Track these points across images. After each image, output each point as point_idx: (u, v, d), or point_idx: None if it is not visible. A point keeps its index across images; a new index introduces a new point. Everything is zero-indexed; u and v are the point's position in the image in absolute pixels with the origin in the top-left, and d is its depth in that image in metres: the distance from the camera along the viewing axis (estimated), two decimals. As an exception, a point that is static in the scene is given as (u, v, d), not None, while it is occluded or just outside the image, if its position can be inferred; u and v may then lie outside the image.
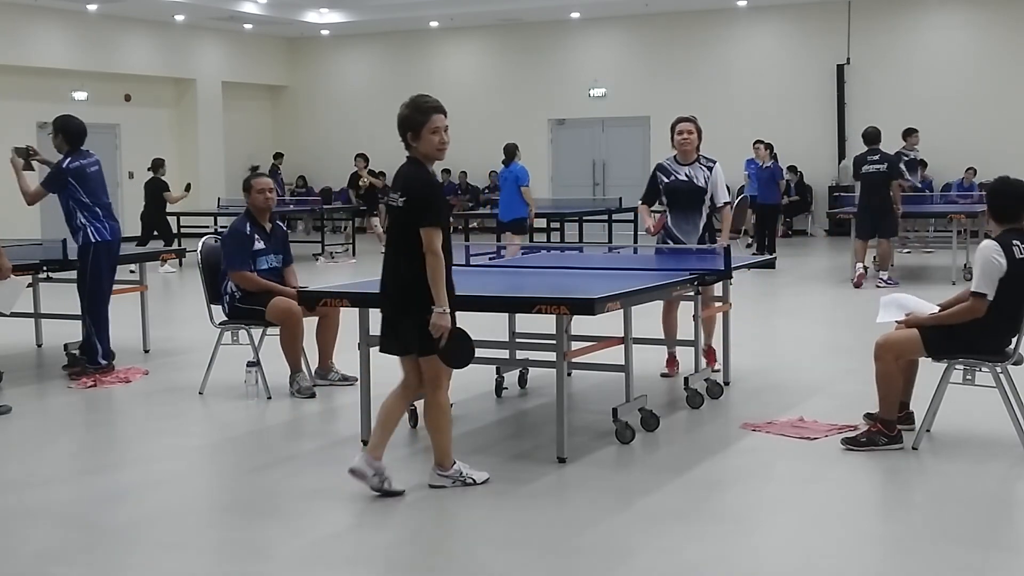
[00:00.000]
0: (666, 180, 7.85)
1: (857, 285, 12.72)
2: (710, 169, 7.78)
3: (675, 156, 7.89)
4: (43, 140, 20.62)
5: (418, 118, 5.19)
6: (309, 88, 25.13)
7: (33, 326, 9.61)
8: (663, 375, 7.89)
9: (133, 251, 9.99)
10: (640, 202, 8.14)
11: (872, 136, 13.25)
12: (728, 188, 8.32)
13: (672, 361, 7.92)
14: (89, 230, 8.22)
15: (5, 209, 19.23)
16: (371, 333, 6.19)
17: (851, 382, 7.53)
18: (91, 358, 8.28)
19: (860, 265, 12.91)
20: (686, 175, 7.77)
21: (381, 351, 5.43)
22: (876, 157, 12.99)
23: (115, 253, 8.40)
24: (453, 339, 5.10)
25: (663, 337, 7.84)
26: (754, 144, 17.89)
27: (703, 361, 7.36)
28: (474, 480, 5.38)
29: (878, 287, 12.50)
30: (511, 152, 14.57)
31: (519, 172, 14.42)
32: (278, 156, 23.35)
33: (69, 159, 8.22)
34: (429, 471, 5.40)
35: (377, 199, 18.79)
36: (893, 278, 12.86)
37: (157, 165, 17.36)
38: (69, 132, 8.29)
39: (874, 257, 13.48)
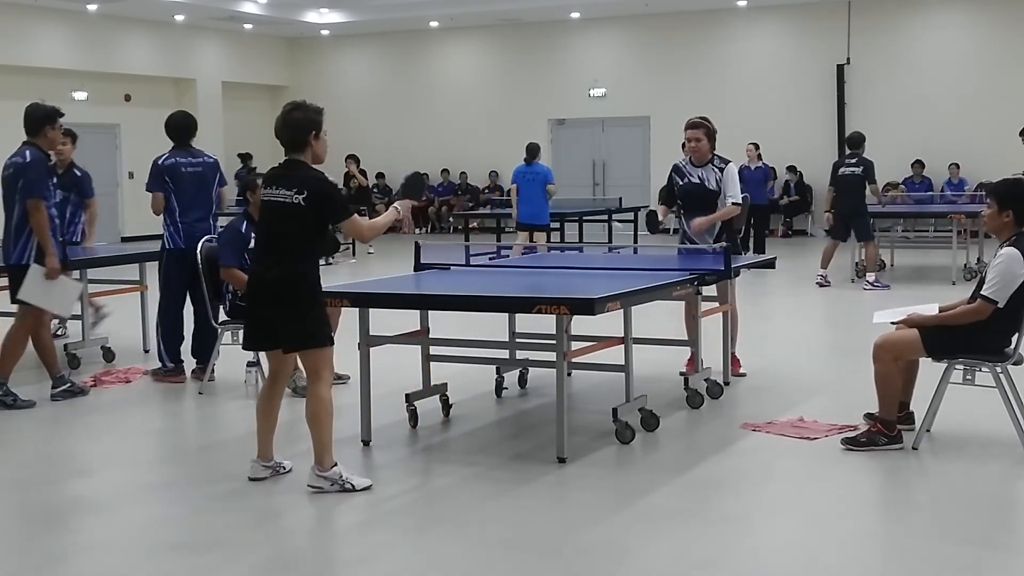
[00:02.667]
0: (680, 182, 7.82)
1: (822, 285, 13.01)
2: (722, 170, 7.72)
3: (690, 157, 7.83)
4: (43, 140, 20.69)
5: (320, 120, 5.39)
6: (309, 88, 25.04)
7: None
8: (682, 374, 7.85)
9: (133, 251, 9.99)
10: (659, 204, 8.10)
11: (855, 141, 13.41)
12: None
13: (693, 361, 7.83)
14: (164, 234, 8.06)
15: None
16: (371, 333, 6.21)
17: (851, 382, 7.53)
18: (160, 360, 8.14)
19: (821, 272, 13.11)
20: (699, 177, 7.74)
21: (248, 348, 5.70)
22: (853, 161, 13.12)
23: (189, 261, 7.88)
24: (413, 193, 5.62)
25: (665, 335, 7.84)
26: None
27: (703, 361, 7.36)
28: (353, 486, 5.32)
29: (865, 289, 12.55)
30: (535, 151, 14.46)
31: (547, 172, 14.38)
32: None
33: (164, 156, 8.05)
34: (309, 470, 5.38)
35: (370, 198, 18.81)
36: (882, 281, 12.89)
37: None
38: (167, 127, 8.14)
39: (858, 261, 13.55)
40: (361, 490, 5.32)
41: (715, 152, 7.82)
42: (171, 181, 7.97)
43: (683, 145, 7.82)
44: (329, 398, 5.35)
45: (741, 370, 7.90)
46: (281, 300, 5.29)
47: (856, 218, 13.04)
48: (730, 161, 7.87)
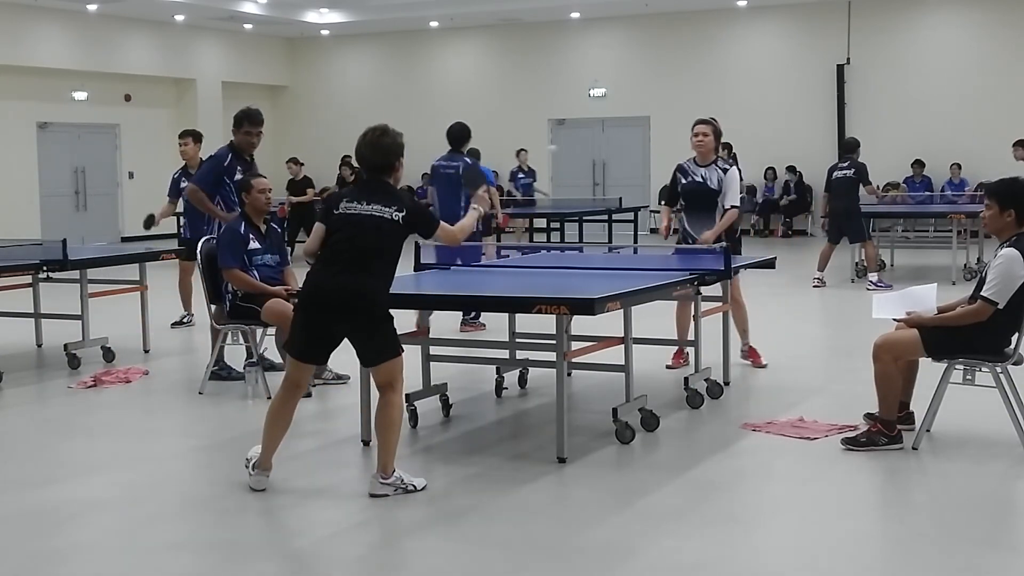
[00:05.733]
0: (683, 181, 8.02)
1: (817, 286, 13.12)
2: (725, 172, 7.94)
3: (694, 158, 8.04)
4: (42, 139, 20.69)
5: (403, 146, 5.48)
6: (309, 88, 25.12)
7: (33, 326, 9.61)
8: (668, 367, 7.98)
9: (133, 251, 10.01)
10: (662, 203, 8.27)
11: (850, 146, 13.65)
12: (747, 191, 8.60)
13: (680, 354, 8.11)
14: None
15: (6, 209, 19.27)
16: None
17: (851, 382, 7.54)
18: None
19: (818, 275, 13.19)
20: (701, 177, 7.93)
21: (306, 360, 5.42)
22: (845, 164, 13.33)
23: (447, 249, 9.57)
24: (471, 179, 5.76)
25: (665, 335, 7.85)
26: None
27: (703, 361, 7.36)
28: (415, 487, 5.32)
29: (868, 289, 12.56)
30: (477, 154, 14.77)
31: (488, 173, 14.54)
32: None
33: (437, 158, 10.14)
34: (370, 479, 5.34)
35: None
36: (884, 281, 12.91)
37: None
38: (447, 135, 10.08)
39: (858, 261, 13.59)
40: (420, 490, 5.32)
41: (719, 155, 8.08)
42: (434, 179, 10.31)
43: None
44: (403, 404, 5.39)
45: (763, 361, 8.15)
46: (358, 314, 5.22)
47: (848, 220, 13.13)
48: (733, 166, 8.09)
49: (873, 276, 12.92)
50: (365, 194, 5.35)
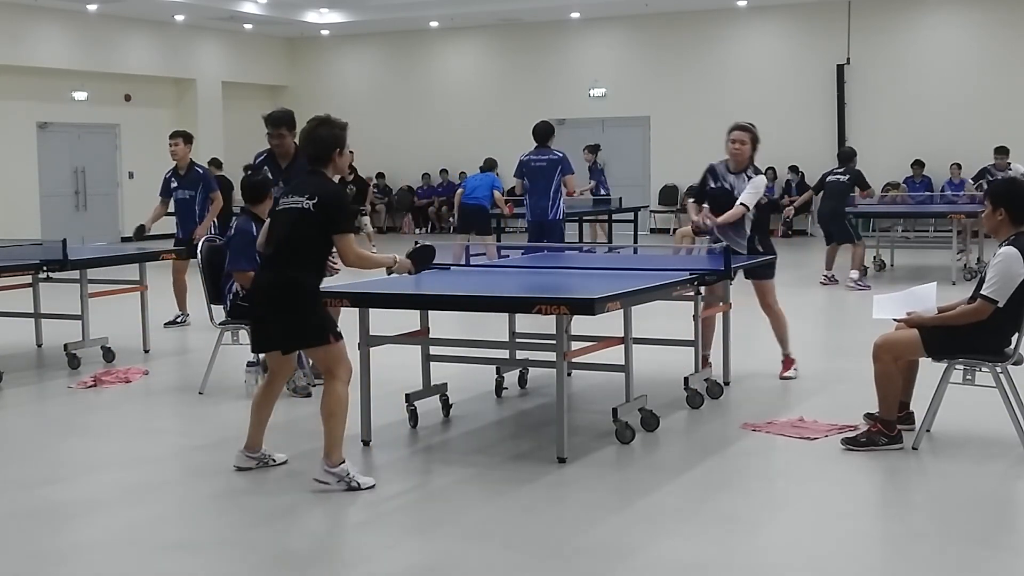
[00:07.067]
0: (712, 185, 7.73)
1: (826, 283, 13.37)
2: (750, 179, 7.62)
3: (727, 161, 7.73)
4: (42, 139, 20.69)
5: (344, 136, 5.44)
6: (309, 88, 25.10)
7: (33, 326, 9.61)
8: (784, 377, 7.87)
9: (133, 251, 10.00)
10: (690, 199, 7.99)
11: (847, 156, 14.07)
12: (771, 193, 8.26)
13: (704, 363, 7.86)
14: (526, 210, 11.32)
15: (6, 209, 19.27)
16: (371, 333, 6.21)
17: (851, 382, 7.53)
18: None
19: (826, 273, 13.47)
20: (730, 184, 7.63)
21: (254, 351, 5.74)
22: (842, 170, 13.74)
23: (541, 234, 10.99)
24: (418, 262, 5.63)
25: (665, 335, 7.83)
26: None
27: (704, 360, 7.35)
28: (359, 484, 5.33)
29: (848, 288, 12.68)
30: (494, 164, 15.66)
31: (495, 181, 15.09)
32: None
33: (525, 153, 11.28)
34: (317, 465, 5.39)
35: (367, 197, 18.96)
36: (863, 281, 13.00)
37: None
38: (533, 132, 11.33)
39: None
40: (365, 489, 5.32)
41: (752, 164, 7.72)
42: (525, 173, 11.20)
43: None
44: (345, 395, 5.36)
45: (787, 373, 7.87)
46: (273, 303, 5.32)
47: (834, 221, 13.48)
48: (761, 172, 7.81)
49: (854, 274, 13.09)
50: (294, 187, 5.47)
